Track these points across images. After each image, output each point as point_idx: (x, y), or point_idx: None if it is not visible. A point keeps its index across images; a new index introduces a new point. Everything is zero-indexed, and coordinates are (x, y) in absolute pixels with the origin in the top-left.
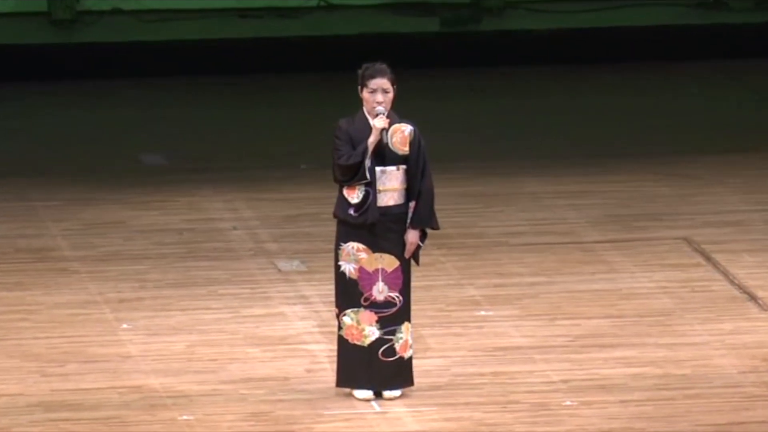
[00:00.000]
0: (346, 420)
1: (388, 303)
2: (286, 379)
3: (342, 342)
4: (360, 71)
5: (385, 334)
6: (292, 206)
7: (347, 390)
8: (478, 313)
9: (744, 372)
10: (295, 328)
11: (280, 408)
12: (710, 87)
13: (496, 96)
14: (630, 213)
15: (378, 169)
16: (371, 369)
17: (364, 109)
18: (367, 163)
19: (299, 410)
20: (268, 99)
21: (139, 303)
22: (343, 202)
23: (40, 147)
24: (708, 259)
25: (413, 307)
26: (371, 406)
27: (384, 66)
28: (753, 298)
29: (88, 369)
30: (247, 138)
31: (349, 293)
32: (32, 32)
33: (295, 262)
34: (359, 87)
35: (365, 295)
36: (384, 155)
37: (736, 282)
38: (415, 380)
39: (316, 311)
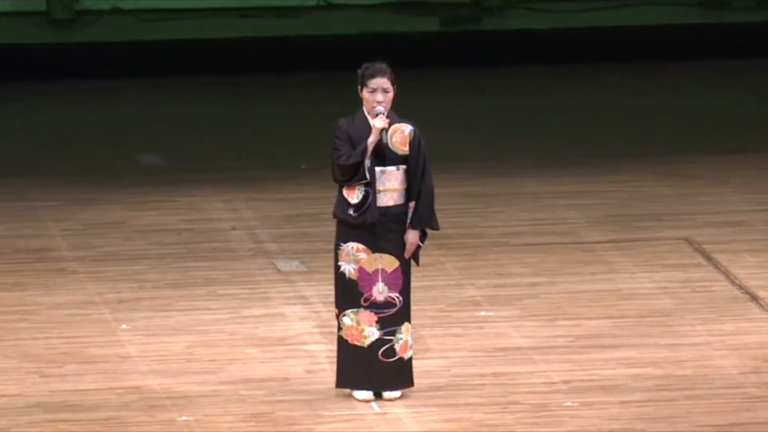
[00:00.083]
0: (346, 421)
1: (388, 303)
2: (285, 379)
3: (342, 342)
4: (360, 71)
5: (385, 334)
6: (292, 206)
7: (347, 391)
8: (478, 314)
9: (745, 373)
10: (294, 328)
11: (279, 409)
12: (711, 87)
13: (496, 96)
14: (630, 213)
15: (378, 169)
16: (371, 370)
17: (364, 108)
18: (367, 163)
19: (299, 411)
20: (268, 99)
21: (138, 303)
22: (343, 202)
23: (40, 147)
24: (709, 259)
25: (413, 307)
26: (371, 406)
27: (384, 65)
28: (754, 298)
29: (87, 370)
30: (247, 138)
31: (348, 294)
32: (31, 32)
33: (295, 263)
34: (359, 86)
35: (365, 295)
36: (384, 155)
37: (737, 282)
38: (415, 381)
39: (316, 312)
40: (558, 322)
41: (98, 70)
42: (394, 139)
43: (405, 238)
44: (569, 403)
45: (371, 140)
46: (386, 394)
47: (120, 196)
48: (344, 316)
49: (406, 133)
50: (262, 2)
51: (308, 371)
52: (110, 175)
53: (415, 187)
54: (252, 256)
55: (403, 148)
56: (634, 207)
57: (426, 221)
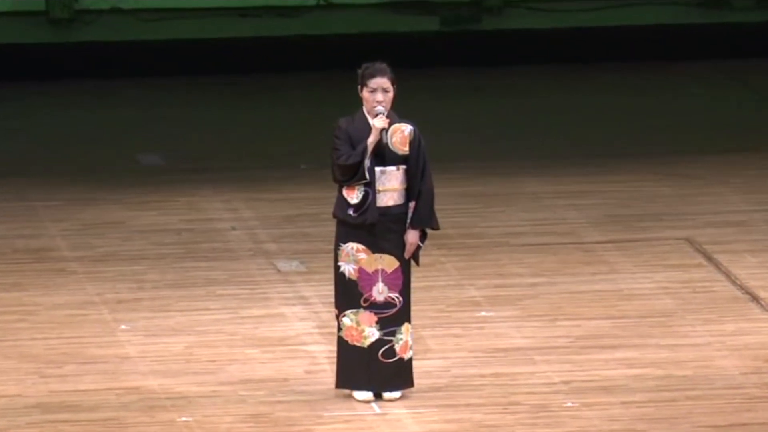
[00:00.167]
0: (346, 421)
1: (387, 304)
2: (285, 380)
3: (342, 343)
4: (360, 70)
5: (385, 335)
6: (292, 206)
7: (347, 391)
8: (478, 314)
9: (746, 373)
10: (294, 329)
11: (279, 409)
12: (711, 86)
13: (496, 95)
14: (631, 213)
15: (378, 169)
16: (371, 370)
17: (364, 108)
18: (367, 163)
19: (299, 412)
20: (268, 99)
21: (138, 304)
22: (343, 203)
23: (39, 147)
24: (709, 259)
25: (413, 307)
26: (371, 407)
27: (384, 65)
28: (755, 298)
29: (86, 370)
30: (247, 138)
31: (348, 294)
32: (30, 31)
33: (295, 263)
34: (359, 86)
35: (365, 295)
36: (384, 155)
37: (738, 282)
38: (415, 381)
39: (316, 312)
40: (558, 323)
41: (98, 69)
42: (394, 139)
43: (405, 238)
44: (570, 404)
45: (371, 140)
46: (386, 395)
47: (120, 196)
48: (344, 316)
49: (406, 133)
50: (262, 2)
51: (308, 372)
52: (110, 175)
53: (415, 187)
54: (252, 256)
55: (403, 148)
56: (635, 207)
57: (426, 221)
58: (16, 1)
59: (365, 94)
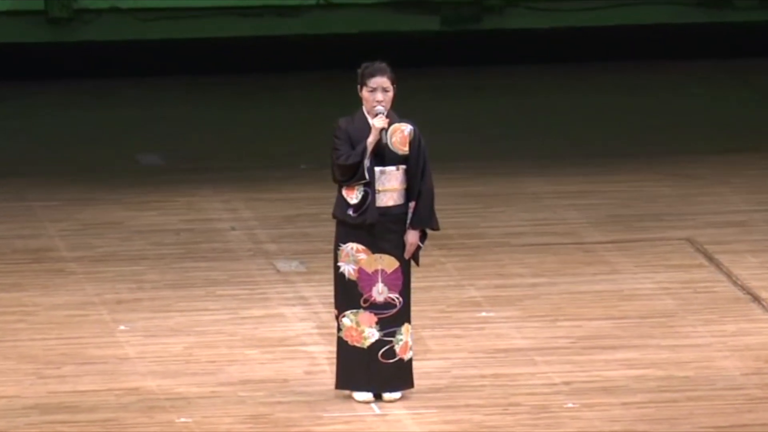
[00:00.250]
0: (346, 422)
1: (387, 304)
2: (285, 381)
3: (341, 344)
4: (360, 70)
5: (385, 335)
6: (292, 206)
7: (347, 392)
8: (478, 315)
9: (747, 374)
10: (294, 329)
11: (279, 410)
12: (712, 86)
13: (496, 96)
14: (631, 213)
15: (377, 169)
16: (371, 371)
17: (364, 108)
18: (367, 163)
19: (298, 412)
20: (268, 99)
21: (137, 304)
22: (342, 203)
23: (39, 147)
24: (711, 259)
25: (413, 308)
26: (371, 408)
27: (384, 65)
28: (756, 299)
29: (85, 371)
30: (247, 138)
31: (348, 294)
32: (29, 31)
33: (294, 263)
34: (359, 86)
35: (365, 296)
36: (383, 155)
37: (739, 283)
38: (415, 382)
39: (316, 312)
40: (559, 323)
41: (97, 69)
42: (393, 139)
43: (405, 238)
44: (570, 405)
45: (371, 140)
46: (386, 396)
47: (119, 196)
48: (344, 317)
49: (406, 132)
50: (262, 1)
51: (308, 372)
52: (110, 175)
53: (414, 187)
54: (251, 256)
55: (402, 148)
56: (635, 207)
57: (426, 221)
58: (15, 0)
59: (365, 93)
